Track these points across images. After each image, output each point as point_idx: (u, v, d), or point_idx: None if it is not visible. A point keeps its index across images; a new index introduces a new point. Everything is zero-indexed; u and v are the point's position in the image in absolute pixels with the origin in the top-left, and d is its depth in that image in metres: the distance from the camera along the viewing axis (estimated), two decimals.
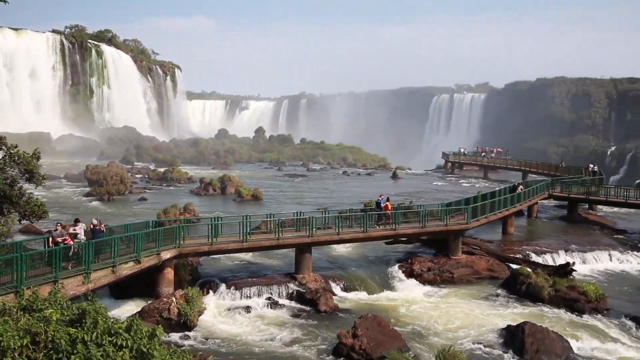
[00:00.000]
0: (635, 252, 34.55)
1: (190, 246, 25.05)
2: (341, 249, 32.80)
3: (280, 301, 25.43)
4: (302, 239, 27.12)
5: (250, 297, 25.37)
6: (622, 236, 38.51)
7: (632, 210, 43.89)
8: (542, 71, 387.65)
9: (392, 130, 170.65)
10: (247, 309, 24.32)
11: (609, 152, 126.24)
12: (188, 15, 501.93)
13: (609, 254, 33.82)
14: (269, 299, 25.33)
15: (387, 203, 31.41)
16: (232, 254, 28.78)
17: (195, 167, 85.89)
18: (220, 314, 23.97)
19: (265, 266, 29.57)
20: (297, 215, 28.81)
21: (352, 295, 27.00)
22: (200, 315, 22.81)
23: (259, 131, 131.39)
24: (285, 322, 23.39)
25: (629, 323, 23.87)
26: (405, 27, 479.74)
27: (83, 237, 20.93)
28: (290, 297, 25.83)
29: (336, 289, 27.17)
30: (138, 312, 21.82)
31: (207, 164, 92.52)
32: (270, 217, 28.65)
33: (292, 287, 26.23)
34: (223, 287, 25.80)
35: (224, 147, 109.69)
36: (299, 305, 25.18)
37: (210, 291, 25.55)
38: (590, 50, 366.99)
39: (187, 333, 21.75)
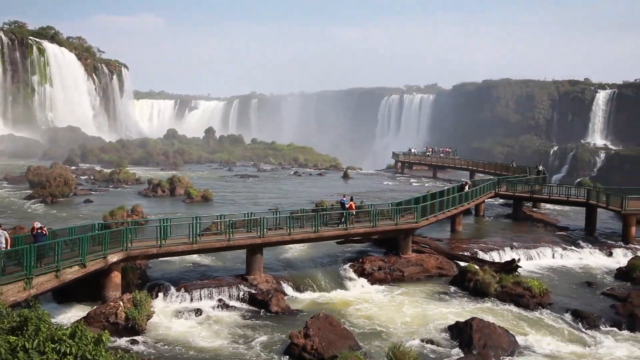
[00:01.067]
0: (576, 248, 35.85)
1: (138, 249, 24.48)
2: (293, 250, 32.74)
3: (231, 303, 25.18)
4: (253, 240, 26.93)
5: (200, 300, 25.01)
6: (564, 233, 39.86)
7: (573, 207, 45.50)
8: (488, 73, 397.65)
9: (344, 131, 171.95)
10: (198, 311, 23.98)
11: (551, 152, 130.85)
12: (134, 13, 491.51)
13: (552, 250, 34.97)
14: (219, 301, 25.03)
15: (352, 203, 31.79)
16: (182, 256, 28.26)
17: (144, 168, 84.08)
18: (169, 317, 23.54)
19: (216, 268, 29.22)
20: (248, 216, 28.58)
21: (304, 295, 27.00)
22: (149, 319, 22.33)
23: (209, 131, 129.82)
24: (236, 324, 23.18)
25: (570, 317, 24.76)
26: (355, 27, 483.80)
27: (3, 245, 20.05)
28: (241, 298, 25.60)
29: (288, 289, 27.11)
30: (83, 318, 21.17)
31: (155, 164, 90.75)
32: (220, 218, 28.28)
33: (243, 288, 26.02)
34: (173, 289, 25.35)
35: (173, 147, 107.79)
36: (250, 307, 25.00)
37: (160, 294, 25.05)
38: (534, 53, 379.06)
39: (135, 338, 21.24)
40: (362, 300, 26.48)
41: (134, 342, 20.99)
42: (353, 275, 29.16)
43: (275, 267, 29.52)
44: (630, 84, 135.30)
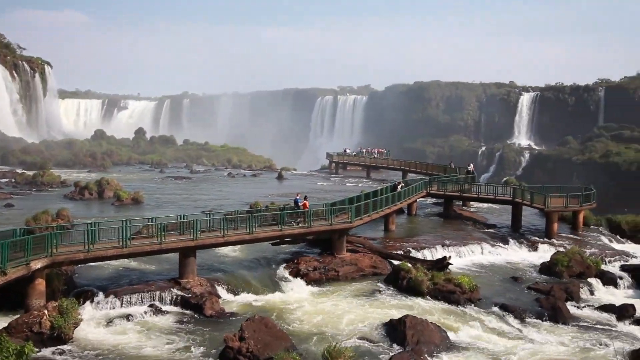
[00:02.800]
0: (503, 245, 37.22)
1: (64, 254, 23.42)
2: (227, 252, 32.30)
3: (164, 307, 24.56)
4: (186, 243, 26.36)
5: (131, 305, 24.27)
6: (491, 230, 41.27)
7: (500, 205, 47.18)
8: (419, 74, 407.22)
9: (278, 131, 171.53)
10: (128, 317, 23.24)
11: (480, 152, 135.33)
12: (58, 8, 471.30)
13: (481, 247, 36.12)
14: (151, 306, 24.36)
15: (305, 202, 31.87)
16: (111, 261, 27.31)
17: (70, 170, 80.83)
18: (98, 324, 22.68)
19: (147, 272, 28.42)
20: (180, 218, 27.93)
21: (238, 297, 26.68)
22: (76, 327, 21.43)
23: (140, 132, 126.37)
24: (169, 328, 22.61)
25: (498, 311, 25.68)
26: (289, 28, 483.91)
27: None
28: (174, 302, 25.03)
29: (222, 292, 26.71)
30: (4, 328, 20.06)
31: (82, 166, 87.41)
32: (152, 221, 27.51)
33: (176, 292, 25.45)
34: (101, 295, 24.47)
35: (102, 148, 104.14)
36: (183, 311, 24.47)
37: (88, 301, 24.11)
38: (463, 56, 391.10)
39: (61, 347, 20.33)
40: (298, 301, 26.43)
41: (60, 351, 20.10)
42: (288, 276, 29.10)
43: (210, 269, 29.02)
44: (551, 87, 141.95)
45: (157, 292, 25.24)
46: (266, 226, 29.72)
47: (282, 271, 29.47)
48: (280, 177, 76.26)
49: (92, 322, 22.76)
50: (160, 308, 24.41)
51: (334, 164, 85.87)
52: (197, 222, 26.79)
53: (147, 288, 25.52)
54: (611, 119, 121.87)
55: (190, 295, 25.19)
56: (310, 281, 28.96)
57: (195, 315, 24.00)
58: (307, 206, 31.84)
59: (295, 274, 29.27)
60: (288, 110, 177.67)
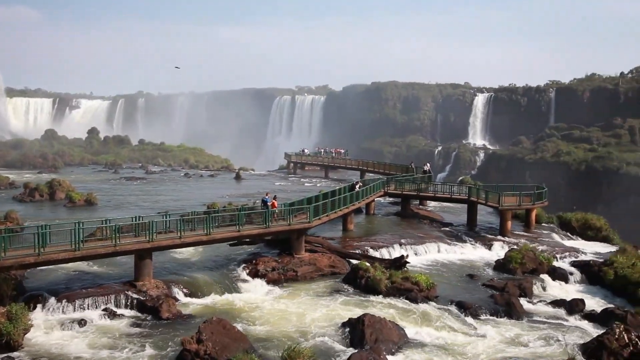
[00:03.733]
0: (459, 243, 37.84)
1: (12, 258, 22.59)
2: (184, 253, 31.84)
3: (119, 311, 24.04)
4: (142, 245, 25.83)
5: (84, 309, 23.66)
6: (448, 228, 41.90)
7: (456, 204, 47.98)
8: (376, 75, 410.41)
9: (236, 131, 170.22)
10: (82, 322, 22.65)
11: (436, 152, 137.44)
12: (7, 4, 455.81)
13: (438, 246, 36.64)
14: (105, 309, 23.80)
15: (274, 201, 31.85)
16: (64, 264, 26.52)
17: (18, 172, 78.33)
18: (50, 329, 22.02)
19: (102, 275, 27.75)
20: (135, 220, 27.34)
21: (196, 299, 26.32)
22: (26, 334, 20.77)
23: (93, 132, 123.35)
24: (124, 332, 22.13)
25: (455, 308, 26.08)
26: (246, 28, 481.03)
27: None
28: (129, 306, 24.53)
29: (179, 294, 26.32)
30: None
31: (32, 167, 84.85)
32: (106, 223, 26.87)
33: (132, 295, 24.94)
34: (53, 300, 23.75)
35: (53, 149, 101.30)
36: (139, 314, 24.01)
37: (38, 306, 23.38)
38: (421, 56, 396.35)
39: (10, 354, 19.65)
40: (257, 301, 26.25)
41: (9, 359, 19.39)
42: (247, 276, 28.89)
43: (166, 271, 28.56)
44: (505, 88, 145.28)
45: (112, 296, 24.69)
46: (224, 227, 29.40)
47: (241, 272, 29.23)
48: (238, 178, 75.71)
49: (44, 327, 22.10)
50: (115, 312, 23.88)
51: (292, 164, 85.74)
52: (153, 224, 26.28)
53: (101, 291, 24.92)
54: (561, 119, 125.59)
55: (146, 298, 24.72)
56: (269, 281, 28.82)
57: (152, 319, 23.56)
58: (276, 205, 31.77)
59: (254, 274, 29.08)
60: (246, 110, 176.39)
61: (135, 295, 24.92)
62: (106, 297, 24.51)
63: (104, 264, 28.90)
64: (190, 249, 31.33)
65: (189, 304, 25.67)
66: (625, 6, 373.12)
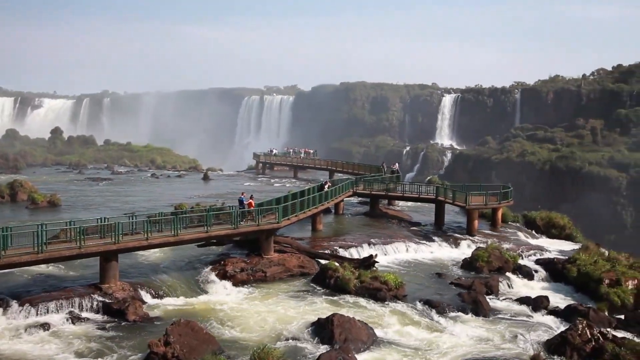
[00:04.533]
0: (427, 242, 38.21)
1: None
2: (152, 255, 31.41)
3: (84, 314, 23.55)
4: (107, 247, 25.37)
5: (48, 313, 23.10)
6: (416, 228, 42.27)
7: (424, 204, 48.41)
8: (345, 75, 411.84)
9: (203, 131, 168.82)
10: (45, 326, 22.10)
11: (404, 152, 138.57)
12: None
13: (406, 245, 36.92)
14: (70, 313, 23.30)
15: (251, 200, 31.73)
16: (27, 267, 25.86)
17: None
18: (11, 335, 21.43)
19: (66, 278, 27.17)
20: (101, 221, 26.83)
21: (164, 301, 25.98)
22: None
23: (56, 132, 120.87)
24: (90, 336, 21.68)
25: (423, 306, 26.29)
26: (213, 27, 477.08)
27: None
28: (95, 309, 24.06)
29: (146, 296, 25.93)
30: None
31: None
32: (70, 225, 26.30)
33: (97, 298, 24.47)
34: (15, 304, 23.13)
35: (14, 149, 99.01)
36: (105, 317, 23.57)
37: (0, 310, 22.75)
38: (389, 57, 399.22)
39: None
40: (225, 303, 26.04)
41: None
42: (215, 278, 28.62)
43: (133, 274, 28.12)
44: (471, 89, 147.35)
45: (77, 299, 24.17)
46: (192, 228, 29.08)
47: (209, 273, 28.95)
48: (206, 178, 75.08)
49: (6, 333, 21.50)
50: (80, 315, 23.40)
51: (261, 164, 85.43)
52: (118, 225, 25.83)
53: (65, 295, 24.38)
54: (526, 119, 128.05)
55: (112, 301, 24.30)
56: (237, 283, 28.61)
57: (118, 322, 23.15)
58: (253, 205, 31.72)
59: (222, 275, 28.84)
60: (214, 109, 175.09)
61: (100, 298, 24.47)
62: (70, 300, 23.99)
63: (69, 267, 28.30)
64: (158, 250, 30.89)
65: (157, 306, 25.31)
66: (587, 10, 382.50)
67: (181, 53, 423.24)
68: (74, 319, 23.04)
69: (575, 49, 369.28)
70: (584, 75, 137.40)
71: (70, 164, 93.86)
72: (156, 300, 25.90)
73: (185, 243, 29.41)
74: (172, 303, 25.92)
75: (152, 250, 30.28)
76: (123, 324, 22.96)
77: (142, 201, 51.79)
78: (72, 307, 23.72)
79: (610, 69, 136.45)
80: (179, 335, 19.88)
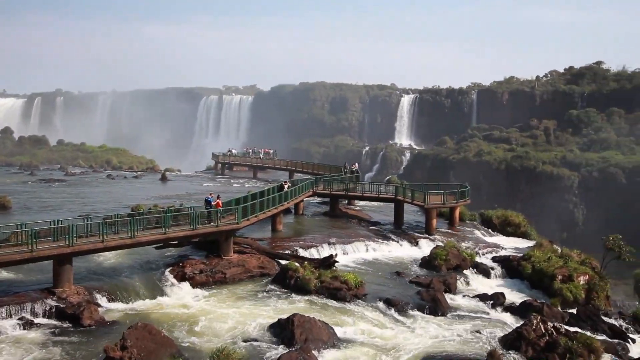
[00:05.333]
0: (386, 241, 38.51)
1: None
2: (108, 257, 30.68)
3: (37, 320, 22.82)
4: (61, 250, 24.67)
5: None
6: (376, 227, 42.58)
7: (383, 203, 48.84)
8: (305, 75, 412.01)
9: (161, 131, 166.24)
10: None
11: (364, 152, 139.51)
12: None
13: (366, 245, 37.12)
14: (21, 319, 22.52)
15: (218, 200, 31.58)
16: None
17: None
18: None
19: (17, 283, 26.25)
20: (54, 224, 26.07)
21: (120, 305, 25.41)
22: None
23: (6, 132, 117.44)
24: (43, 342, 21.01)
25: (383, 305, 26.51)
26: (171, 26, 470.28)
27: None
28: (48, 314, 23.35)
29: (102, 300, 25.31)
30: None
31: None
32: (21, 227, 25.45)
33: (50, 302, 23.76)
34: None
35: None
36: (59, 323, 22.90)
37: None
38: (348, 57, 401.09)
39: None
40: (184, 305, 25.69)
41: None
42: (173, 280, 28.18)
43: (88, 277, 27.39)
44: (429, 89, 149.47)
45: (29, 304, 23.39)
46: (149, 229, 28.57)
47: (167, 275, 28.49)
48: (163, 179, 73.94)
49: None
50: (32, 321, 22.65)
51: (220, 165, 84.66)
52: (73, 228, 25.14)
53: (16, 300, 23.56)
54: (483, 120, 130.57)
55: (66, 306, 23.63)
56: (196, 284, 28.25)
57: (73, 327, 22.53)
58: (220, 205, 31.66)
59: (181, 277, 28.42)
60: (172, 109, 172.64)
61: (54, 303, 23.77)
62: (22, 305, 23.20)
63: (20, 271, 27.35)
64: (115, 252, 30.21)
65: (113, 310, 24.75)
66: (540, 13, 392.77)
67: (138, 52, 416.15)
68: (26, 324, 22.30)
69: (529, 51, 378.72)
70: (537, 77, 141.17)
71: (22, 164, 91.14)
72: (113, 304, 25.32)
73: (142, 245, 28.86)
74: (129, 306, 25.39)
75: (109, 252, 29.61)
76: (78, 329, 22.35)
77: (98, 203, 50.59)
78: (24, 313, 22.96)
79: (562, 70, 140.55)
80: (136, 339, 19.48)
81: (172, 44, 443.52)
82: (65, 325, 22.69)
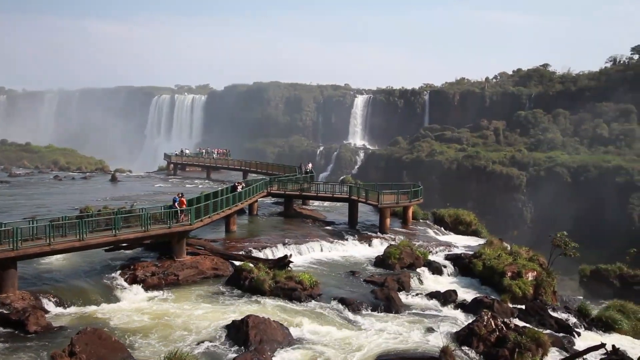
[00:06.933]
0: (341, 241, 38.62)
1: None
2: (56, 261, 29.74)
3: None
4: (4, 254, 23.72)
5: None
6: (330, 227, 42.69)
7: (338, 203, 49.05)
8: (259, 75, 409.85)
9: (111, 131, 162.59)
10: None
11: (318, 152, 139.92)
12: None
13: (320, 244, 37.15)
14: None
15: (182, 199, 31.46)
16: None
17: None
18: None
19: None
20: None
21: (69, 310, 24.64)
22: None
23: None
24: None
25: (337, 304, 26.56)
26: (121, 24, 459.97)
27: None
28: None
29: (49, 305, 24.48)
30: None
31: None
32: None
33: None
34: None
35: None
36: (2, 330, 22.00)
37: None
38: (302, 58, 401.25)
39: None
40: (136, 308, 25.10)
41: None
42: (124, 283, 27.53)
43: (34, 281, 26.51)
44: (382, 90, 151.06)
45: None
46: (99, 232, 27.81)
47: (118, 278, 27.80)
48: (114, 180, 72.26)
49: None
50: None
51: (172, 165, 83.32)
52: (17, 230, 24.21)
53: None
54: (435, 120, 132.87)
55: (10, 312, 22.73)
56: (148, 287, 27.67)
57: (17, 333, 21.68)
58: (185, 204, 31.68)
59: (132, 280, 27.79)
60: (122, 108, 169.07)
61: None
62: None
63: None
64: (63, 256, 29.32)
65: (61, 315, 23.98)
66: (490, 16, 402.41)
67: (86, 50, 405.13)
68: None
69: (479, 53, 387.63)
70: (487, 79, 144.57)
71: None
72: (60, 309, 24.53)
73: (92, 248, 28.04)
74: (78, 311, 24.64)
75: (57, 256, 28.71)
76: (23, 335, 21.53)
77: (44, 205, 48.97)
78: None
79: (510, 72, 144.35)
80: (86, 345, 18.93)
81: (122, 42, 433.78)
82: (9, 332, 21.80)
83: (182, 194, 33.90)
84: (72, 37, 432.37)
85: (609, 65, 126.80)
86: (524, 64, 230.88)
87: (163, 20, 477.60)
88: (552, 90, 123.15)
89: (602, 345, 22.83)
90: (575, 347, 24.23)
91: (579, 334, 26.50)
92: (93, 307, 25.14)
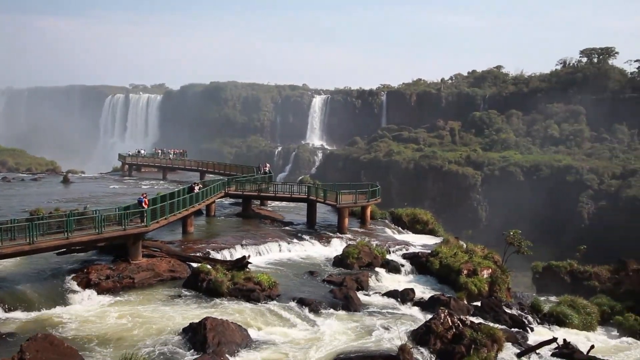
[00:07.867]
0: (299, 241, 38.55)
1: None
2: (4, 265, 28.68)
3: None
4: None
5: None
6: (289, 227, 42.59)
7: (296, 203, 48.97)
8: (216, 75, 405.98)
9: (62, 131, 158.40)
10: None
11: (276, 152, 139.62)
12: None
13: (279, 245, 37.00)
14: None
15: (146, 199, 31.27)
16: None
17: None
18: None
19: None
20: None
21: (18, 315, 23.80)
22: None
23: None
24: None
25: (296, 305, 26.51)
26: (69, 20, 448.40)
27: None
28: None
29: None
30: None
31: None
32: None
33: None
34: None
35: None
36: None
37: None
38: (260, 57, 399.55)
39: None
40: (89, 313, 24.45)
41: None
42: (77, 287, 26.78)
43: None
44: (340, 90, 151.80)
45: None
46: (50, 235, 26.95)
47: (70, 282, 27.03)
48: (66, 181, 70.20)
49: None
50: None
51: (127, 166, 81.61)
52: None
53: None
54: (392, 121, 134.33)
55: None
56: (102, 291, 26.99)
57: None
58: (147, 203, 31.28)
59: (86, 284, 27.06)
60: (74, 108, 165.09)
61: None
62: None
63: None
64: (12, 260, 28.27)
65: (9, 321, 23.15)
66: (445, 19, 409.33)
67: (36, 47, 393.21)
68: None
69: (435, 55, 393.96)
70: (442, 80, 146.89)
71: None
72: (9, 315, 23.69)
73: (43, 251, 27.20)
74: (28, 317, 23.84)
75: (5, 260, 27.68)
76: None
77: None
78: None
79: (465, 74, 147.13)
80: (37, 351, 18.30)
81: (74, 40, 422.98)
82: None
83: (146, 194, 33.35)
84: (23, 35, 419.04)
85: (559, 67, 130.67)
86: (479, 66, 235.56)
87: (117, 18, 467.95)
88: (506, 92, 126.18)
89: (554, 340, 23.55)
90: (528, 342, 24.85)
91: (532, 329, 27.20)
92: (44, 312, 24.41)
